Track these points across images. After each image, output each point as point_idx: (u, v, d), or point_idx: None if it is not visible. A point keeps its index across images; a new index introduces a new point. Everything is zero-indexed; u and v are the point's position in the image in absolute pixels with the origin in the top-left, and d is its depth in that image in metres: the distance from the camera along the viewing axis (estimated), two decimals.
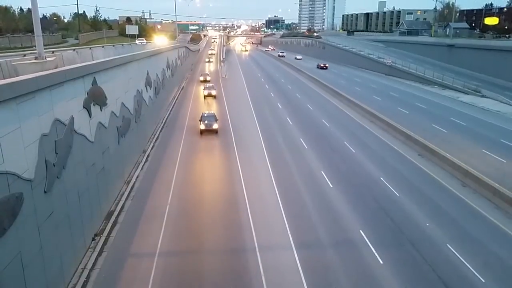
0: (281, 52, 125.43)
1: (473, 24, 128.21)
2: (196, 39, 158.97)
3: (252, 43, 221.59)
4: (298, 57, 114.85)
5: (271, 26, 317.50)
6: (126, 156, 25.89)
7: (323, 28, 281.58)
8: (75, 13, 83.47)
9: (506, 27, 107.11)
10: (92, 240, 18.32)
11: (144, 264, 16.84)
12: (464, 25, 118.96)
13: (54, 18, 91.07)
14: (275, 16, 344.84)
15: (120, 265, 16.74)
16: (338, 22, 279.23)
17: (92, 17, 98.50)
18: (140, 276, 16.05)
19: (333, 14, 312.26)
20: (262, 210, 21.66)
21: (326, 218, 20.84)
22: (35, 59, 15.56)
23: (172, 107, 48.87)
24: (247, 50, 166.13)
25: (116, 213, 21.20)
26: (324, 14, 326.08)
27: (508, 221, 20.46)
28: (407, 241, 18.64)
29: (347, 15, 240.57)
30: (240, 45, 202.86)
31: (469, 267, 16.63)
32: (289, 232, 19.32)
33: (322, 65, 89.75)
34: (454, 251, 17.76)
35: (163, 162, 29.47)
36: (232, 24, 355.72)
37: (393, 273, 16.28)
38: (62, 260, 14.84)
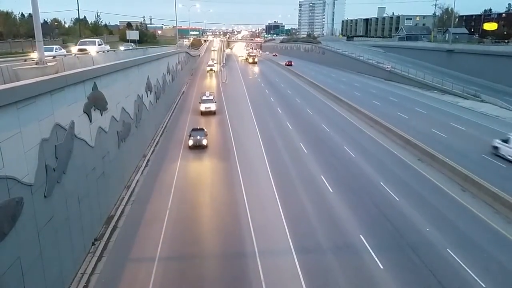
0: (257, 52, 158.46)
1: (472, 30, 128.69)
2: (196, 44, 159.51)
3: (253, 48, 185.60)
4: (274, 54, 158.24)
5: (271, 32, 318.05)
6: (126, 161, 25.90)
7: (323, 34, 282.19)
8: (76, 18, 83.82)
9: (505, 32, 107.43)
10: (92, 245, 18.30)
11: (144, 269, 16.82)
12: (463, 30, 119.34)
13: (55, 24, 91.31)
14: (275, 21, 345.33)
15: (120, 270, 16.71)
16: (337, 27, 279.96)
17: (93, 22, 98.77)
18: (140, 281, 16.03)
19: (333, 19, 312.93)
20: (262, 214, 21.65)
21: (326, 222, 20.83)
22: (36, 64, 15.60)
23: (173, 112, 48.94)
24: (255, 62, 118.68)
25: (116, 218, 21.20)
26: (323, 19, 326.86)
27: (508, 226, 20.43)
28: (407, 246, 18.62)
29: (347, 20, 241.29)
30: (242, 51, 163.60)
31: (470, 272, 16.59)
32: (289, 236, 19.30)
33: (273, 54, 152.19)
34: (454, 256, 17.72)
35: (163, 166, 29.48)
36: (232, 30, 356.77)
37: (393, 278, 16.25)
38: (61, 265, 14.82)
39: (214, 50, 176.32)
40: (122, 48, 42.92)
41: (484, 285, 15.77)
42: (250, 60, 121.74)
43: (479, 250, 18.38)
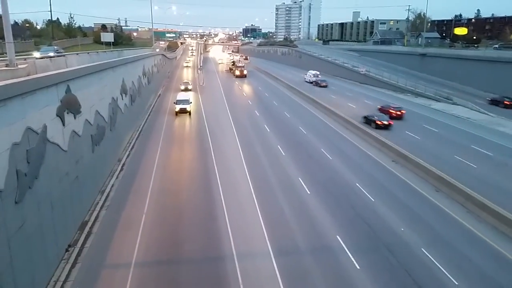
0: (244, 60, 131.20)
1: (444, 34, 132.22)
2: (173, 46, 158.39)
3: (235, 51, 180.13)
4: (241, 55, 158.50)
5: (248, 35, 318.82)
6: (100, 165, 25.43)
7: (299, 37, 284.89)
8: (49, 20, 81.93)
9: (474, 37, 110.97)
10: (66, 251, 17.86)
11: (120, 275, 16.52)
12: (435, 35, 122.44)
13: (27, 25, 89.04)
14: (252, 25, 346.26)
15: (95, 277, 16.37)
16: (313, 31, 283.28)
17: (66, 24, 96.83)
18: (116, 287, 15.73)
19: (309, 23, 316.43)
20: (240, 217, 21.61)
21: (303, 224, 20.96)
22: (6, 66, 15.17)
23: (149, 115, 48.35)
24: (244, 76, 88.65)
25: (90, 223, 20.75)
26: (300, 23, 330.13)
27: (480, 225, 21.04)
28: (383, 246, 18.92)
29: (323, 24, 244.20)
30: (222, 54, 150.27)
31: (443, 270, 17.00)
32: (267, 239, 19.33)
33: (240, 55, 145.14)
34: (428, 255, 18.12)
35: (139, 170, 29.06)
36: (209, 32, 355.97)
37: (369, 278, 16.48)
38: (34, 273, 14.40)
39: (187, 66, 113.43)
40: (36, 54, 26.78)
41: (457, 283, 16.18)
42: (237, 72, 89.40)
43: (452, 249, 18.85)
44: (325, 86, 72.04)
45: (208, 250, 18.54)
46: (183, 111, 47.50)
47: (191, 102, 49.87)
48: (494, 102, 54.49)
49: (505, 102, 53.12)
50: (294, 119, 46.35)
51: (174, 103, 49.00)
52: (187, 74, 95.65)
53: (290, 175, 28.05)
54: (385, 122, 40.50)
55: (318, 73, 79.51)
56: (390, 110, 45.08)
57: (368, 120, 41.70)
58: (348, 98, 59.68)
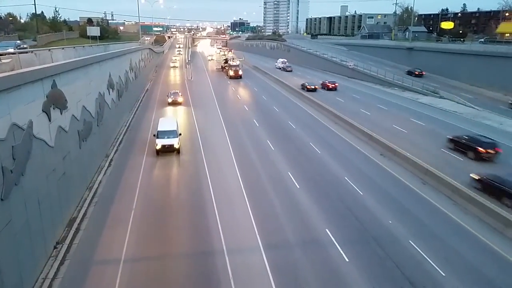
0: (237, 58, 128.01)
1: (431, 28, 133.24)
2: (160, 40, 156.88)
3: (225, 47, 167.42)
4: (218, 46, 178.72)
5: (237, 29, 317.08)
6: (88, 161, 25.18)
7: (288, 31, 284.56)
8: (33, 13, 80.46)
9: (460, 31, 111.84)
10: (54, 249, 17.69)
11: (109, 272, 16.43)
12: (422, 29, 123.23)
13: (10, 18, 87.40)
14: (240, 18, 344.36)
15: (84, 274, 16.25)
16: (302, 25, 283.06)
17: (51, 18, 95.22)
18: (105, 285, 15.65)
19: (297, 17, 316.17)
20: (230, 212, 21.62)
21: (293, 218, 21.05)
22: None
23: (137, 110, 47.92)
24: (239, 76, 76.85)
25: (78, 220, 20.57)
26: (288, 17, 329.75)
27: (467, 217, 21.36)
28: (372, 239, 19.11)
29: (311, 18, 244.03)
30: (211, 49, 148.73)
31: (431, 262, 17.24)
32: (257, 233, 19.39)
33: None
34: (416, 247, 18.36)
35: (127, 166, 28.83)
36: (197, 26, 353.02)
37: (359, 270, 16.64)
38: (21, 271, 14.24)
39: (174, 66, 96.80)
40: None
41: (444, 274, 16.43)
42: (231, 72, 77.09)
43: (439, 241, 19.11)
44: (290, 71, 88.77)
45: (198, 245, 18.52)
46: (167, 149, 30.91)
47: (180, 134, 32.56)
48: (409, 73, 74.32)
49: (416, 72, 73.63)
50: (283, 114, 46.38)
51: (154, 135, 31.87)
52: (174, 78, 79.61)
53: (280, 170, 28.11)
54: (312, 87, 60.90)
55: (285, 60, 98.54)
56: (327, 84, 63.88)
57: (303, 87, 62.37)
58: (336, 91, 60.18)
